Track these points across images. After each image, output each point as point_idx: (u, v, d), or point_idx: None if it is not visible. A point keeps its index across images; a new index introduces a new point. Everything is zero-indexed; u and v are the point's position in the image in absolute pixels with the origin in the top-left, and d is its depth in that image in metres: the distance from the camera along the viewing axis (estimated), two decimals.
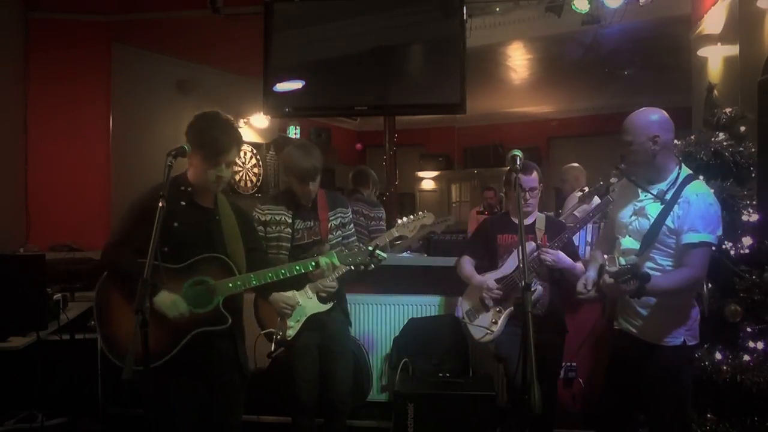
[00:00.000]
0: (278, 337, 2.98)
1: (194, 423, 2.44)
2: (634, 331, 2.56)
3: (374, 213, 4.26)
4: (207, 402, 2.49)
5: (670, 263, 2.46)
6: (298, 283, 2.74)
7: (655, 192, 2.49)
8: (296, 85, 4.72)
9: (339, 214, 3.14)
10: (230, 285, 2.38)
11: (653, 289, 2.34)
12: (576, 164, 5.30)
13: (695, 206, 2.38)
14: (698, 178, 2.53)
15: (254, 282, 2.42)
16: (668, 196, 2.45)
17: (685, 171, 2.51)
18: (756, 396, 2.92)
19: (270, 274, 2.46)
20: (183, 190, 2.44)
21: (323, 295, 3.01)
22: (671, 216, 2.43)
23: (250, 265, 2.51)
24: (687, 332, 2.50)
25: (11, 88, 4.94)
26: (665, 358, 2.48)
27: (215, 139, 2.37)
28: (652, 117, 2.48)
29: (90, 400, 3.78)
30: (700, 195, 2.41)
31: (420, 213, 3.13)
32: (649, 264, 2.47)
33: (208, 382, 2.47)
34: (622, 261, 2.48)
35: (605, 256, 2.52)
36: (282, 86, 4.72)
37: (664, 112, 2.51)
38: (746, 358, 3.00)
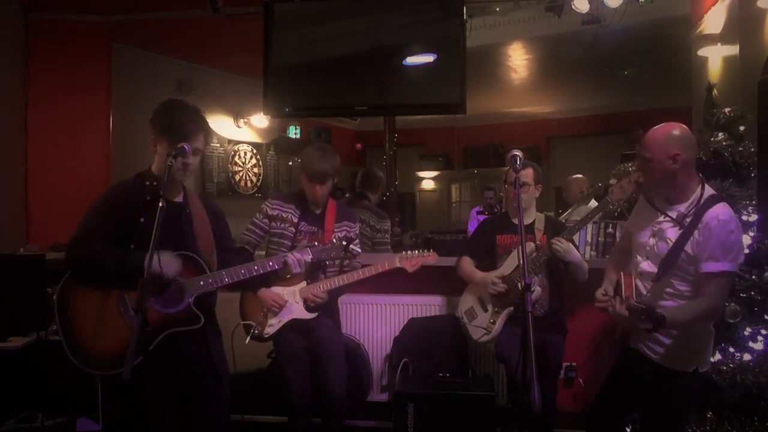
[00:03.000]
0: (255, 332, 3.04)
1: None
2: (653, 357, 2.47)
3: (380, 225, 4.27)
4: (185, 415, 2.41)
5: (689, 288, 2.38)
6: (268, 280, 2.65)
7: (674, 215, 2.39)
8: (296, 84, 4.72)
9: (344, 227, 3.13)
10: (201, 283, 2.30)
11: (671, 326, 2.29)
12: (579, 175, 5.35)
13: (716, 233, 2.28)
14: (722, 200, 2.39)
15: (226, 279, 2.34)
16: (687, 221, 2.34)
17: (708, 191, 2.40)
18: (756, 396, 2.93)
19: (242, 270, 2.37)
20: (148, 185, 2.35)
21: (310, 304, 3.02)
22: (690, 241, 2.32)
23: (224, 265, 2.43)
24: (700, 359, 2.45)
25: (11, 88, 4.94)
26: (680, 385, 2.43)
27: (182, 123, 2.29)
28: (673, 133, 2.35)
29: (90, 400, 3.78)
30: (721, 222, 2.29)
31: (425, 251, 3.13)
32: (667, 289, 2.41)
33: (181, 392, 2.38)
34: (639, 284, 2.47)
35: (622, 273, 2.46)
36: (282, 86, 4.72)
37: (686, 128, 2.39)
38: (746, 358, 3.00)
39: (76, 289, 2.32)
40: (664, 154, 2.33)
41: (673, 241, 2.36)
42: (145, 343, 2.10)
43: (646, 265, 2.47)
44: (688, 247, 2.33)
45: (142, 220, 2.27)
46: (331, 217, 3.11)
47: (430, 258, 3.11)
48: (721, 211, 2.32)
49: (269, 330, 3.04)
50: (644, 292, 2.45)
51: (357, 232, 3.23)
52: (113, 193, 2.36)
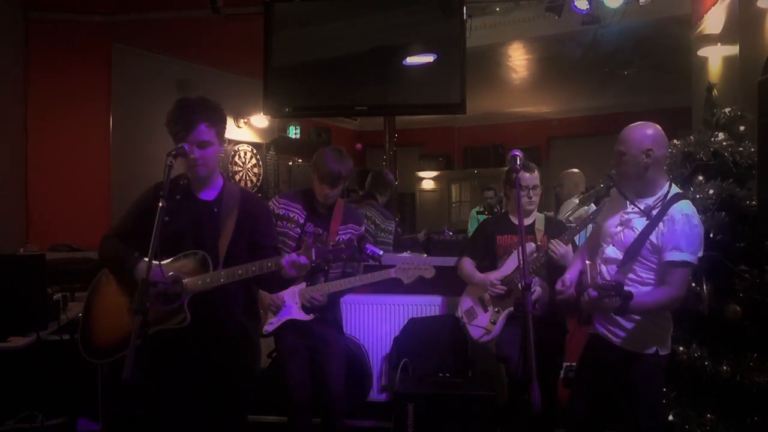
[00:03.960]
0: None
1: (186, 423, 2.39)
2: (615, 340, 2.58)
3: (385, 225, 4.24)
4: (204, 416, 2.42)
5: (652, 276, 2.50)
6: (276, 279, 2.53)
7: (642, 206, 2.53)
8: (296, 84, 4.72)
9: (350, 230, 3.13)
10: (199, 282, 2.31)
11: (635, 308, 2.40)
12: (575, 170, 5.29)
13: (680, 226, 2.43)
14: (686, 198, 2.57)
15: (222, 279, 2.33)
16: (654, 212, 2.49)
17: (675, 189, 2.56)
18: (756, 396, 2.92)
19: (240, 271, 2.34)
20: (180, 184, 2.42)
21: (307, 305, 3.03)
22: (655, 232, 2.47)
23: (250, 261, 2.38)
24: (660, 342, 2.56)
25: (11, 89, 4.94)
26: (644, 366, 2.54)
27: (176, 121, 2.34)
28: (647, 131, 2.52)
29: (90, 400, 3.78)
30: (685, 215, 2.45)
31: (422, 264, 3.16)
32: (630, 275, 2.51)
33: (199, 392, 2.39)
34: (603, 269, 2.57)
35: (587, 262, 2.54)
36: (282, 86, 4.71)
37: (660, 128, 2.54)
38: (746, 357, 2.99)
39: (106, 281, 2.43)
40: (637, 149, 2.48)
41: (639, 230, 2.51)
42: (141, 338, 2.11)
43: (611, 251, 2.60)
44: (653, 237, 2.47)
45: (166, 219, 2.27)
46: (338, 218, 3.11)
47: (427, 272, 3.12)
48: (685, 206, 2.50)
49: (268, 327, 3.08)
50: (608, 278, 2.53)
51: (362, 234, 3.19)
52: (145, 193, 2.45)
